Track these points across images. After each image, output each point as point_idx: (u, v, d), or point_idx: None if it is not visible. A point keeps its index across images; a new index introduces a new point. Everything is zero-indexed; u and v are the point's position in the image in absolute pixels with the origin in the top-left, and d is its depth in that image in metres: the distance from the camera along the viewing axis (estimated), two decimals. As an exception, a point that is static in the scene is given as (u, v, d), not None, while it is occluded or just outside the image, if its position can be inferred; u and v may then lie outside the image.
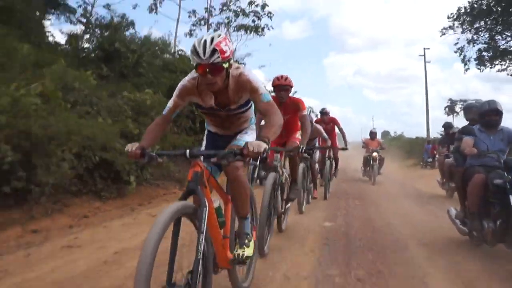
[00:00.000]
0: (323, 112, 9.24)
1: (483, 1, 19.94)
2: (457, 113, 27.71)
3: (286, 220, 4.87)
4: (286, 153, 4.48)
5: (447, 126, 9.61)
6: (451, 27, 21.50)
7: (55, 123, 5.20)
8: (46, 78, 6.24)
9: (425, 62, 30.12)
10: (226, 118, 2.72)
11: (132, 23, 13.79)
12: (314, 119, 8.56)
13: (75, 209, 5.47)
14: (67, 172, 5.30)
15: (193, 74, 2.51)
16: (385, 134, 48.11)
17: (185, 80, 2.56)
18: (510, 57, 20.42)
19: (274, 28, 17.91)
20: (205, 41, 2.26)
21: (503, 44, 20.60)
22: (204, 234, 2.00)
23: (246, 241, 2.70)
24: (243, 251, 2.62)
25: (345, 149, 8.63)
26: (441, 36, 22.27)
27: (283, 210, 4.54)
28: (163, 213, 1.84)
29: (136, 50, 11.57)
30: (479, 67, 21.23)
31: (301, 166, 7.16)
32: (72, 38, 12.24)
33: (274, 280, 3.22)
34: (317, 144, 7.53)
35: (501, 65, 20.79)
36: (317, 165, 7.83)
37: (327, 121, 9.02)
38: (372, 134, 13.13)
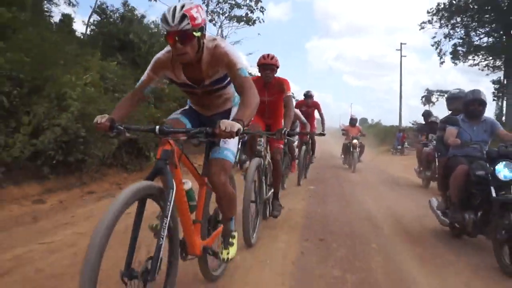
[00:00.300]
0: (308, 95, 8.86)
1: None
2: (433, 103, 28.81)
3: (270, 207, 4.58)
4: (269, 157, 4.21)
5: (426, 114, 9.44)
6: (429, 22, 22.59)
7: (106, 107, 6.35)
8: (93, 70, 7.52)
9: (401, 56, 31.20)
10: (204, 96, 2.50)
11: (143, 16, 14.60)
12: (294, 103, 8.42)
13: (110, 178, 6.86)
14: (111, 148, 6.57)
15: (168, 47, 2.31)
16: (363, 121, 47.38)
17: (160, 53, 2.38)
18: (483, 52, 21.46)
19: (265, 21, 18.52)
20: (175, 7, 2.08)
21: (477, 40, 21.85)
22: (168, 218, 1.83)
23: (231, 239, 2.61)
24: (228, 253, 2.54)
25: (322, 134, 8.17)
26: (420, 29, 23.23)
27: (267, 196, 4.26)
28: (122, 193, 1.68)
29: (147, 41, 12.33)
30: (453, 61, 22.50)
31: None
32: (66, 18, 12.93)
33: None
34: (298, 129, 7.34)
35: (473, 60, 22.11)
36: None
37: (310, 104, 8.73)
38: (353, 121, 12.67)
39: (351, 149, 11.42)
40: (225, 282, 2.80)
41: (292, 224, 4.55)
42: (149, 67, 2.38)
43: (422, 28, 22.78)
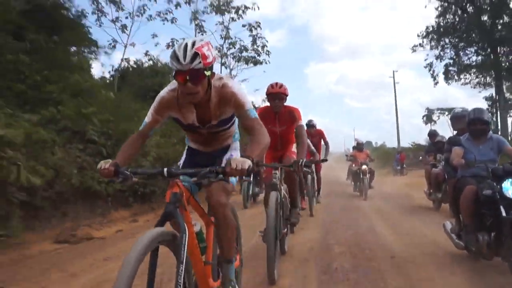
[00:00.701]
0: (310, 125, 8.76)
1: (448, 20, 21.83)
2: (435, 122, 27.98)
3: (287, 241, 4.48)
4: (284, 168, 4.04)
5: (432, 134, 9.03)
6: (420, 45, 23.22)
7: (168, 150, 8.65)
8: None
9: (394, 83, 33.24)
10: (208, 135, 2.44)
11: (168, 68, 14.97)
12: None
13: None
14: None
15: (172, 85, 2.25)
16: (368, 144, 45.55)
17: (163, 92, 2.25)
18: (473, 70, 22.32)
19: (271, 63, 19.06)
20: (186, 44, 1.99)
21: (467, 59, 22.56)
22: (184, 264, 1.73)
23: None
24: None
25: (325, 160, 8.33)
26: (412, 52, 24.06)
27: (285, 230, 4.11)
28: (137, 242, 1.59)
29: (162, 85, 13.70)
30: (446, 81, 23.20)
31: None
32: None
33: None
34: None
35: (465, 78, 22.83)
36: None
37: (314, 133, 8.59)
38: (359, 146, 11.96)
39: (361, 176, 10.75)
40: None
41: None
42: (152, 107, 2.26)
43: (414, 51, 23.63)
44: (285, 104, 4.26)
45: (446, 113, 24.27)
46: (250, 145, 2.09)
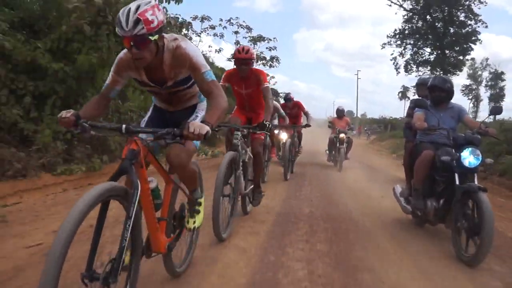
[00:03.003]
0: (287, 98, 8.40)
1: (413, 25, 25.70)
2: (409, 98, 30.63)
3: (251, 203, 4.10)
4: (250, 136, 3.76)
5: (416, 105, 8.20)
6: (389, 43, 26.69)
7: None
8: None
9: (357, 79, 35.23)
10: (168, 95, 2.28)
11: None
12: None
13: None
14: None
15: None
16: (350, 114, 45.73)
17: (122, 53, 2.11)
18: (427, 65, 25.83)
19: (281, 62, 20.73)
20: (129, 10, 1.81)
21: (423, 57, 26.23)
22: (132, 219, 1.64)
23: (197, 207, 2.44)
24: (194, 222, 2.42)
25: (308, 125, 7.89)
26: (381, 49, 28.01)
27: (246, 191, 3.80)
28: (85, 195, 1.50)
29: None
30: (406, 72, 26.92)
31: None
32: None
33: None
34: (276, 121, 6.81)
35: (420, 71, 26.30)
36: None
37: (291, 106, 8.24)
38: (340, 112, 10.31)
39: (338, 145, 9.29)
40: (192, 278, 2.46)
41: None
42: (112, 69, 2.12)
43: (383, 48, 26.96)
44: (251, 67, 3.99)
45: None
46: (208, 110, 1.97)
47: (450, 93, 3.70)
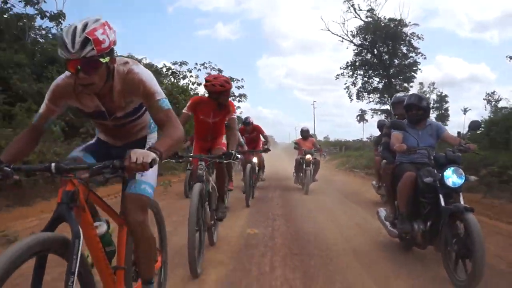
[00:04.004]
0: (246, 122, 7.92)
1: (362, 57, 28.03)
2: (366, 120, 32.75)
3: (216, 232, 3.87)
4: (213, 160, 3.51)
5: (381, 124, 7.33)
6: (342, 74, 28.71)
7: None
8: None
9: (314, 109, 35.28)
10: (115, 127, 1.96)
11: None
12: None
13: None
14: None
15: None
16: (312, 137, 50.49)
17: (59, 79, 1.78)
18: (375, 93, 28.23)
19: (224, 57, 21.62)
20: (75, 28, 1.53)
21: (372, 85, 28.39)
22: (75, 275, 1.32)
23: None
24: None
25: (267, 150, 7.58)
26: (335, 79, 29.30)
27: (212, 222, 3.60)
28: (8, 251, 1.19)
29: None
30: (357, 99, 28.98)
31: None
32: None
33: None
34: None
35: (370, 98, 28.71)
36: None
37: (250, 130, 7.86)
38: (304, 133, 9.70)
39: (304, 166, 8.62)
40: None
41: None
42: (47, 97, 1.79)
43: (337, 78, 29.06)
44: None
45: (379, 113, 28.76)
46: (161, 138, 1.68)
47: (427, 110, 3.57)
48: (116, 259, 1.88)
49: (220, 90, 3.59)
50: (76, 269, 1.34)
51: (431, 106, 4.21)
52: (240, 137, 6.55)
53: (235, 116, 3.82)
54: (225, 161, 3.36)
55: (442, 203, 3.03)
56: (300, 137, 9.98)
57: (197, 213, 3.00)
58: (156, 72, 15.84)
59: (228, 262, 3.35)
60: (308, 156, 8.56)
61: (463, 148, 3.25)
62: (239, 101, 23.49)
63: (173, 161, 3.40)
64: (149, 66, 15.79)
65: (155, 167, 1.85)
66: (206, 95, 3.89)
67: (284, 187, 9.64)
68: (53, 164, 1.46)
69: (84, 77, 1.58)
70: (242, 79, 24.09)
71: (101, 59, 1.58)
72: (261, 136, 8.17)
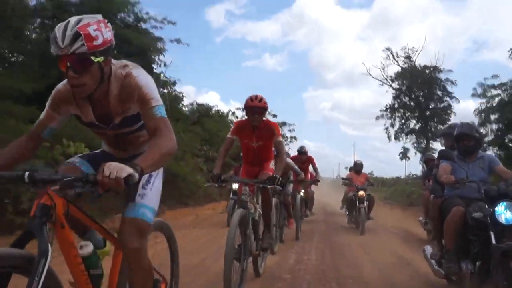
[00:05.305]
0: (302, 152, 7.63)
1: (400, 100, 29.21)
2: (409, 158, 32.08)
3: (264, 262, 3.66)
4: (258, 186, 3.38)
5: (428, 158, 7.30)
6: (382, 116, 29.83)
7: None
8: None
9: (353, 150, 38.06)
10: (116, 137, 1.78)
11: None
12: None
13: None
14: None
15: None
16: None
17: (60, 84, 1.65)
18: (412, 134, 29.01)
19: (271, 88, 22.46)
20: (67, 23, 1.42)
21: (409, 127, 29.26)
22: None
23: None
24: None
25: (317, 181, 7.33)
26: (376, 120, 30.58)
27: (257, 251, 3.38)
28: None
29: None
30: (396, 140, 29.74)
31: (274, 200, 5.29)
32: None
33: None
34: (291, 178, 6.24)
35: (407, 139, 29.55)
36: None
37: (304, 160, 7.49)
38: (358, 167, 8.69)
39: (357, 204, 7.59)
40: None
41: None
42: (48, 103, 1.67)
43: (377, 120, 30.32)
44: (264, 118, 3.60)
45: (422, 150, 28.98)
46: (147, 151, 1.46)
47: (479, 141, 3.31)
48: (108, 283, 1.67)
49: (257, 106, 3.48)
50: None
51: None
52: (294, 165, 6.22)
53: (281, 140, 3.61)
54: (267, 185, 3.16)
55: (493, 241, 2.71)
56: (350, 171, 9.05)
57: (234, 241, 2.80)
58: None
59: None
60: (362, 192, 7.65)
61: None
62: (290, 142, 24.69)
63: (216, 185, 3.25)
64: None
65: (158, 188, 1.74)
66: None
67: (332, 223, 8.88)
68: (27, 173, 1.28)
69: (73, 76, 1.44)
70: (294, 123, 26.58)
71: (93, 58, 1.43)
72: (310, 168, 7.81)
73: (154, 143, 1.48)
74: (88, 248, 1.63)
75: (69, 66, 1.42)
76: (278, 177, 3.11)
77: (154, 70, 11.98)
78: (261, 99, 3.51)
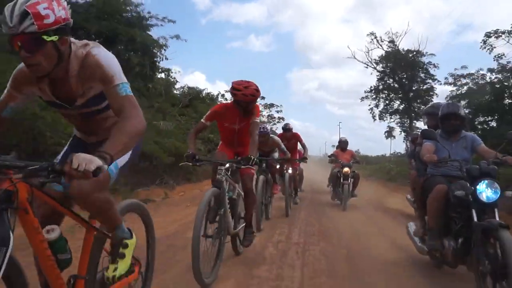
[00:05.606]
0: (286, 129, 7.45)
1: (384, 82, 30.12)
2: (394, 137, 33.37)
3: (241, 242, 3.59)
4: (240, 173, 3.33)
5: (415, 137, 6.71)
6: (366, 97, 30.64)
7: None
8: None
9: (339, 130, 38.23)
10: (83, 119, 1.71)
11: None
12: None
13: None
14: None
15: None
16: None
17: (21, 64, 1.57)
18: (396, 115, 30.18)
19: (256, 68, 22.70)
20: (16, 1, 1.34)
21: (393, 107, 30.25)
22: None
23: (121, 249, 1.78)
24: (115, 269, 1.73)
25: (305, 158, 7.22)
26: (360, 101, 31.31)
27: (236, 230, 3.32)
28: None
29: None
30: (380, 120, 30.79)
31: (261, 178, 5.26)
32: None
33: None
34: (276, 155, 6.18)
35: (391, 119, 30.63)
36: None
37: (289, 137, 7.27)
38: (343, 144, 8.65)
39: (342, 180, 7.60)
40: None
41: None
42: (9, 82, 1.61)
43: (362, 100, 31.13)
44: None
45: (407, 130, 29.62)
46: (112, 136, 1.39)
47: (464, 121, 3.29)
48: (78, 267, 1.63)
49: (250, 100, 3.35)
50: None
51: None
52: (282, 144, 6.12)
53: (257, 120, 3.50)
54: (242, 165, 3.10)
55: (475, 219, 2.73)
56: (337, 149, 9.07)
57: (204, 218, 2.77)
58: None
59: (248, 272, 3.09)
60: (346, 169, 7.62)
61: (499, 161, 2.93)
62: (278, 122, 26.57)
63: (190, 164, 3.13)
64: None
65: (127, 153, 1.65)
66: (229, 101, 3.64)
67: (318, 202, 8.80)
68: None
69: (26, 55, 1.38)
70: (281, 105, 29.06)
71: (45, 37, 1.37)
72: (299, 146, 7.64)
73: (122, 125, 1.42)
74: (55, 232, 1.56)
75: (21, 46, 1.36)
76: (253, 157, 3.05)
77: (157, 64, 12.46)
78: (255, 92, 3.37)
